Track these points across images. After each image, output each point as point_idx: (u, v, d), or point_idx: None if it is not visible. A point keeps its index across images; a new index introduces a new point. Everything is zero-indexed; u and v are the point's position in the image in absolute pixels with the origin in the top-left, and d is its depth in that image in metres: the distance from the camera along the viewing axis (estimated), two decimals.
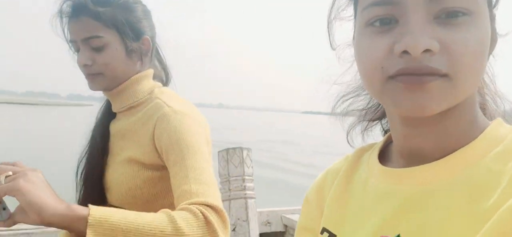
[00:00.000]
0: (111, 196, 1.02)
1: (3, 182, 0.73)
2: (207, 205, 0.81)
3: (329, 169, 0.63)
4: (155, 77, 1.10)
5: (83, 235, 0.73)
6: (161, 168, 0.96)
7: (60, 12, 0.98)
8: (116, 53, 0.97)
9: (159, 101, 0.99)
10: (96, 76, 0.99)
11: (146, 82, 1.04)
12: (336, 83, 0.60)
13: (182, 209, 0.80)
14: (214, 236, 0.79)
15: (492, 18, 0.47)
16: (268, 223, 2.02)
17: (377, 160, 0.54)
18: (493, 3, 0.47)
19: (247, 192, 1.82)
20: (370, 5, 0.44)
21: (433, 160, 0.46)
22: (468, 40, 0.41)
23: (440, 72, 0.41)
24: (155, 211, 0.90)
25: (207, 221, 0.79)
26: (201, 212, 0.79)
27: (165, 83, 1.15)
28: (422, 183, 0.46)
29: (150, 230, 0.75)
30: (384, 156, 0.56)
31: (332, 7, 0.54)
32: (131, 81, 1.02)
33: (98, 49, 0.96)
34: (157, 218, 0.77)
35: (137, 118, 1.00)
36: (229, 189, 1.81)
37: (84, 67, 0.98)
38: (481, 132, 0.47)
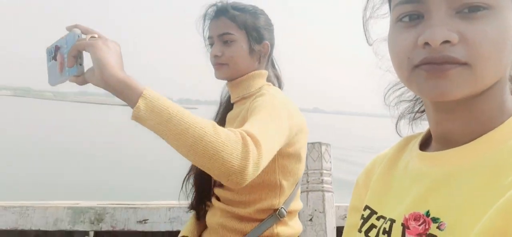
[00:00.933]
0: None
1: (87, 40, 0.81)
2: (250, 135, 0.86)
3: (379, 155, 0.68)
4: (269, 82, 1.27)
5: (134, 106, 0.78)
6: None
7: (205, 15, 1.24)
8: (241, 50, 1.19)
9: (263, 90, 1.18)
10: (222, 66, 1.20)
11: (260, 80, 1.23)
12: (390, 71, 0.63)
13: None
14: (245, 156, 0.82)
15: None
16: (346, 217, 2.04)
17: (417, 146, 0.58)
18: None
19: (325, 185, 1.87)
20: (400, 3, 0.49)
21: (461, 144, 0.50)
22: (486, 32, 0.44)
23: (459, 61, 0.45)
24: (257, 191, 1.08)
25: (244, 142, 0.83)
26: (241, 134, 0.85)
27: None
28: (449, 165, 0.50)
29: (193, 123, 0.80)
30: (426, 143, 0.60)
31: (366, 7, 0.59)
32: (248, 76, 1.21)
33: (228, 44, 1.18)
34: (202, 119, 0.83)
35: (246, 107, 1.15)
36: (307, 182, 1.89)
37: (215, 57, 1.20)
38: (509, 117, 0.49)
